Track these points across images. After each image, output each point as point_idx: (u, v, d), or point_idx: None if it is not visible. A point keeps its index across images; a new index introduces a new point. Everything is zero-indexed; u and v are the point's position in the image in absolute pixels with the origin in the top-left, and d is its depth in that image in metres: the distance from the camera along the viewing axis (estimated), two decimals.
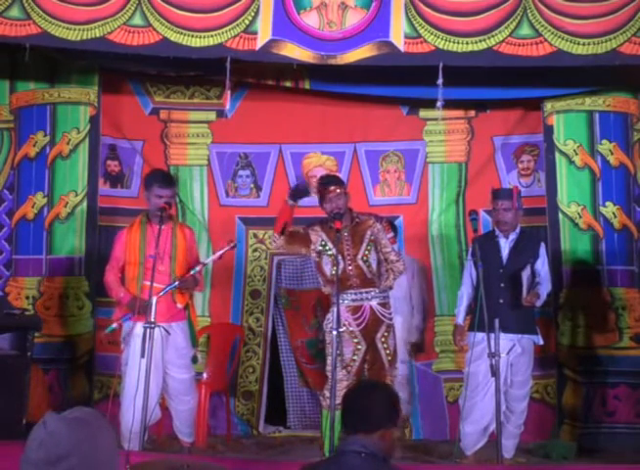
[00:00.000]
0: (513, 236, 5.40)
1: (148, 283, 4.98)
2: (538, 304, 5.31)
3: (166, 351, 5.06)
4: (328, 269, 5.20)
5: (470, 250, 5.52)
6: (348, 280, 5.14)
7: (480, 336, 5.03)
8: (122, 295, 5.12)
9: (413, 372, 6.45)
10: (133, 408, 4.67)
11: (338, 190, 5.18)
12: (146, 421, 4.71)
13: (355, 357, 5.10)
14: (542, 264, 5.40)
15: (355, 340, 5.12)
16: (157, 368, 4.92)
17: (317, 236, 5.25)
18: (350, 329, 5.10)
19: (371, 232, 5.24)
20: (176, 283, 5.05)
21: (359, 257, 5.18)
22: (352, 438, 2.75)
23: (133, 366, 4.84)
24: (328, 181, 5.30)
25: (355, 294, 5.16)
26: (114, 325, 5.06)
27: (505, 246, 5.39)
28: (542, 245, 5.50)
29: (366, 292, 5.18)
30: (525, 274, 5.17)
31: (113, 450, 1.79)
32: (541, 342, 5.43)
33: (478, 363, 5.15)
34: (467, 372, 5.31)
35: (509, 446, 5.19)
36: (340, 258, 5.09)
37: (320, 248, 5.24)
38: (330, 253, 5.18)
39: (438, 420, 6.35)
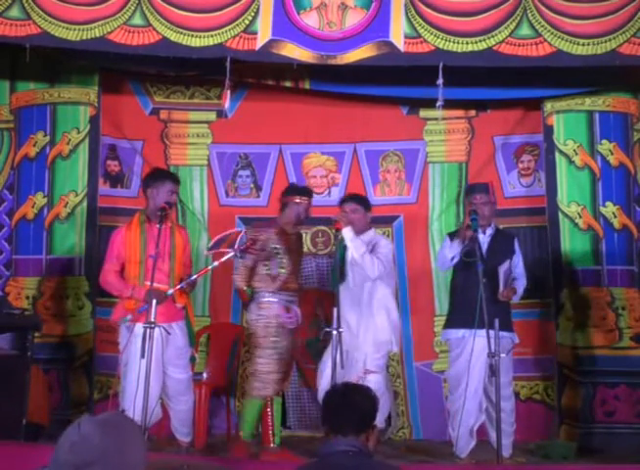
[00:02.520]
0: (490, 231, 5.44)
1: (149, 283, 4.99)
2: (515, 299, 5.37)
3: (166, 350, 5.06)
4: (275, 269, 5.49)
5: (447, 240, 5.46)
6: (290, 283, 5.51)
7: (461, 333, 5.08)
8: (133, 290, 5.08)
9: (413, 372, 6.46)
10: (133, 409, 4.67)
11: (308, 200, 5.61)
12: (146, 421, 4.71)
13: (285, 351, 5.45)
14: (518, 260, 5.46)
15: (290, 335, 5.50)
16: (157, 368, 4.93)
17: (268, 238, 5.53)
18: (288, 326, 5.46)
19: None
20: (195, 276, 5.18)
21: (299, 263, 5.65)
22: (339, 439, 2.75)
23: (133, 367, 4.84)
24: (301, 191, 5.66)
25: (290, 296, 5.53)
26: (130, 316, 5.02)
27: (484, 241, 5.40)
28: (516, 240, 5.56)
29: (296, 295, 5.59)
30: (502, 269, 5.19)
31: (140, 458, 1.79)
32: (517, 340, 5.43)
33: (457, 363, 5.18)
34: (448, 374, 5.39)
35: (505, 445, 5.20)
36: (288, 261, 5.51)
37: (271, 249, 5.51)
38: (280, 255, 5.51)
39: (438, 420, 6.32)
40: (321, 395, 5.08)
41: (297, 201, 5.57)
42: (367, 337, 5.39)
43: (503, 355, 4.84)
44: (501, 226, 5.71)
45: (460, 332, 5.19)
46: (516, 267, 5.41)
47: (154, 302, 4.80)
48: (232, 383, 6.42)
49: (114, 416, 1.82)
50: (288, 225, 5.60)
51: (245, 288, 5.55)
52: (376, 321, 5.46)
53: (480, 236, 5.37)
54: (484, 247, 5.37)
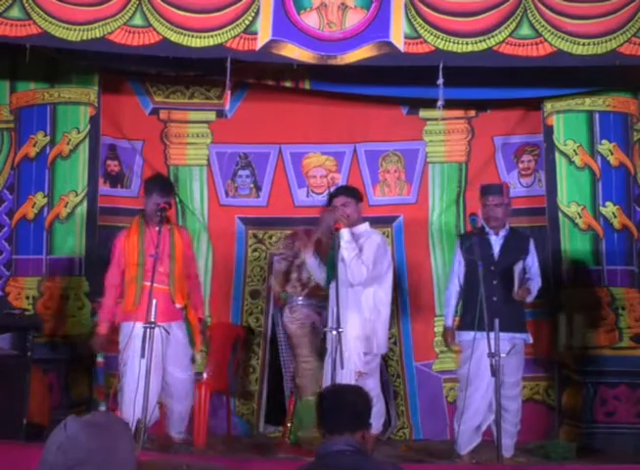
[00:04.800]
0: (503, 233, 5.42)
1: (148, 283, 5.02)
2: (529, 299, 5.36)
3: (167, 350, 5.07)
4: (305, 276, 5.68)
5: (458, 246, 5.49)
6: (321, 290, 5.56)
7: (472, 335, 5.06)
8: (103, 320, 5.30)
9: (413, 372, 6.46)
10: (133, 408, 4.67)
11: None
12: (146, 421, 4.72)
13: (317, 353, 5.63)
14: (532, 261, 5.45)
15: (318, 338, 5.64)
16: (156, 368, 4.94)
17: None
18: (319, 327, 5.63)
19: None
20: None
21: None
22: (335, 438, 2.76)
23: (133, 366, 4.85)
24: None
25: (321, 302, 5.67)
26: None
27: (496, 243, 5.40)
28: (531, 241, 5.54)
29: (323, 300, 5.63)
30: (517, 269, 5.20)
31: (130, 459, 1.78)
32: (531, 340, 5.43)
33: (469, 363, 5.16)
34: (459, 372, 5.35)
35: (508, 445, 5.20)
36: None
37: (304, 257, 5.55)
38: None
39: (438, 420, 6.35)
40: None
41: (328, 209, 5.50)
42: (346, 333, 5.02)
43: (503, 355, 4.85)
44: None
45: (472, 333, 5.14)
46: (530, 268, 5.40)
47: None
48: (232, 383, 6.42)
49: (99, 416, 1.82)
50: (323, 234, 5.57)
51: (279, 292, 5.84)
52: (357, 318, 5.21)
53: (493, 237, 5.39)
54: (497, 248, 5.38)
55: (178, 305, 5.24)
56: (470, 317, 5.18)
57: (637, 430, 5.93)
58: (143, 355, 4.71)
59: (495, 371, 4.77)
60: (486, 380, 5.12)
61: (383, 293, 5.34)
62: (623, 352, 6.03)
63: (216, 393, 6.13)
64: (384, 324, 5.33)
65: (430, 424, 6.36)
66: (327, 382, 5.07)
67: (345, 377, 4.91)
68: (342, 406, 2.85)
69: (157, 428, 5.50)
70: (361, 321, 5.20)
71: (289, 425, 5.79)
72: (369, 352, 5.26)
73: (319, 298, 5.69)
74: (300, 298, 5.72)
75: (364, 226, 5.37)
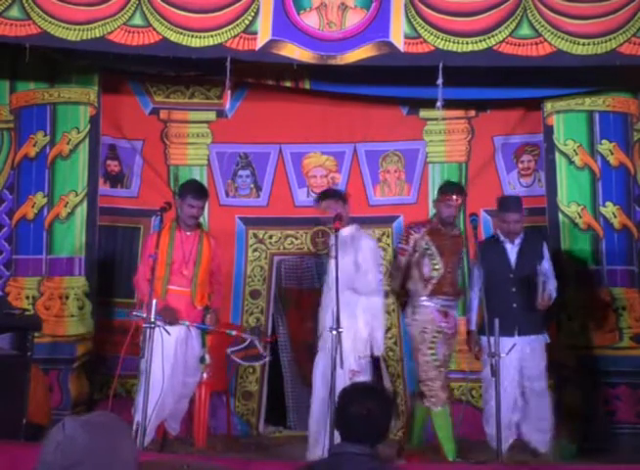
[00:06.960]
0: (518, 240, 5.42)
1: (172, 286, 5.23)
2: (551, 302, 5.35)
3: (183, 358, 5.19)
4: (427, 270, 5.29)
5: (479, 254, 5.49)
6: (445, 286, 5.33)
7: (492, 338, 5.05)
8: (150, 298, 5.13)
9: (413, 372, 6.44)
10: (156, 410, 4.70)
11: (456, 198, 5.38)
12: (146, 421, 4.72)
13: (444, 358, 5.30)
14: (547, 263, 5.44)
15: (449, 341, 5.35)
16: (177, 370, 5.09)
17: (421, 238, 5.33)
18: (446, 331, 5.30)
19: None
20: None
21: (456, 265, 5.46)
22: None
23: (156, 369, 4.84)
24: (448, 190, 5.43)
25: (446, 300, 5.34)
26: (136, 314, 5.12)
27: (512, 250, 5.41)
28: (544, 243, 5.55)
29: (454, 300, 5.44)
30: (540, 280, 5.19)
31: (131, 459, 1.77)
32: (548, 340, 5.44)
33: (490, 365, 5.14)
34: (485, 376, 5.29)
35: (540, 441, 5.25)
36: (441, 262, 5.31)
37: (423, 249, 5.31)
38: (432, 256, 5.31)
39: None
40: (317, 393, 5.09)
41: (444, 200, 5.38)
42: (345, 335, 4.89)
43: (503, 355, 4.86)
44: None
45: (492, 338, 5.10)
46: (547, 270, 5.38)
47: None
48: (232, 383, 6.42)
49: (99, 416, 1.81)
50: (441, 225, 5.41)
51: (399, 290, 5.49)
52: (354, 319, 5.10)
53: (509, 246, 5.40)
54: (513, 256, 5.39)
55: (199, 307, 5.35)
56: (490, 322, 5.18)
57: (637, 430, 5.93)
58: (143, 355, 4.75)
59: (495, 371, 4.77)
60: (508, 379, 5.13)
61: (376, 296, 5.28)
62: (623, 351, 6.03)
63: (216, 393, 6.13)
64: (380, 326, 5.30)
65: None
66: (327, 382, 5.06)
67: (341, 376, 4.83)
68: (368, 422, 2.77)
69: (157, 428, 5.50)
70: (358, 323, 5.18)
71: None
72: (367, 353, 5.23)
73: (446, 296, 5.32)
74: (424, 296, 5.26)
75: (351, 228, 5.24)
